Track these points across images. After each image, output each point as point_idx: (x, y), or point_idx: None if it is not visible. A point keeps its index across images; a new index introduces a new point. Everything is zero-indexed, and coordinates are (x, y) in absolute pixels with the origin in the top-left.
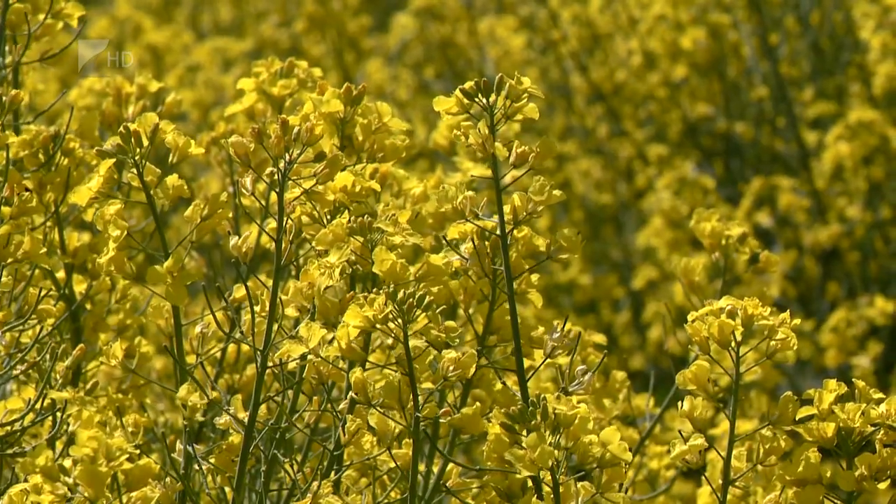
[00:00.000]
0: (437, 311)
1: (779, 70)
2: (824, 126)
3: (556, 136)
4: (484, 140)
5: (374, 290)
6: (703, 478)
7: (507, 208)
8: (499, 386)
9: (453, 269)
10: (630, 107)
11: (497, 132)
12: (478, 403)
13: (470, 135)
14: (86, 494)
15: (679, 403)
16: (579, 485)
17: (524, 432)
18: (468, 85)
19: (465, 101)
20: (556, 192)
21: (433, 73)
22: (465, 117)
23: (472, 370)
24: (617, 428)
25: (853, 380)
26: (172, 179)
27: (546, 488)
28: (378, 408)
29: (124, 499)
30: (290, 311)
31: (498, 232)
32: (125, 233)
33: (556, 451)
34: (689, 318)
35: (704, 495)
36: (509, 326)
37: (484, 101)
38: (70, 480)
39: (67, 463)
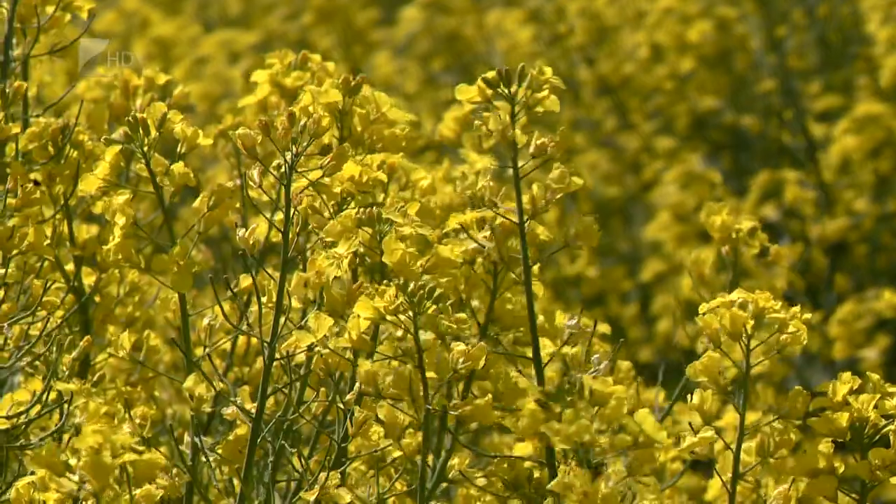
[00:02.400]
0: (448, 303)
1: (786, 63)
2: (831, 119)
3: (562, 128)
4: (504, 127)
5: (384, 281)
6: (714, 470)
7: (525, 197)
8: (514, 375)
9: (462, 261)
10: (637, 100)
11: (517, 121)
12: (489, 395)
13: (490, 120)
14: (90, 487)
15: (689, 396)
16: (611, 469)
17: (559, 409)
18: (490, 74)
19: (488, 90)
20: (577, 180)
21: (441, 66)
22: (473, 109)
23: (482, 362)
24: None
25: (867, 373)
26: (178, 167)
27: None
28: (388, 400)
29: (129, 495)
30: (294, 303)
31: (516, 220)
32: (131, 220)
33: (592, 426)
34: (701, 310)
35: (714, 487)
36: (510, 316)
37: (506, 90)
38: (75, 478)
39: (72, 460)
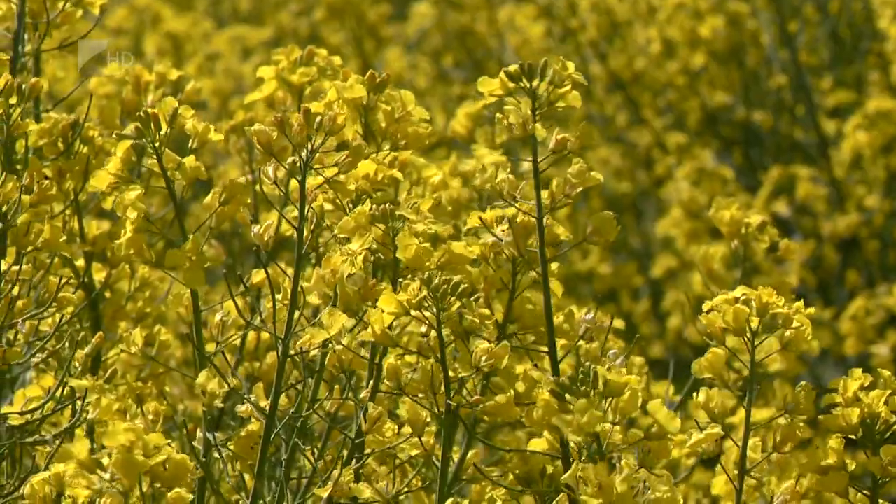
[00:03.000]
0: (473, 298)
1: (798, 58)
2: (843, 115)
3: (575, 123)
4: (525, 120)
5: (399, 277)
6: (720, 465)
7: (544, 193)
8: (520, 370)
9: (475, 257)
10: (649, 95)
11: (538, 116)
12: (511, 391)
13: (511, 113)
14: (119, 487)
15: (695, 393)
16: (622, 461)
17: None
18: (513, 67)
19: (510, 83)
20: (596, 175)
21: (452, 62)
22: (486, 104)
23: (505, 360)
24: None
25: (878, 369)
26: (190, 160)
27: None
28: (410, 396)
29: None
30: (312, 299)
31: (535, 214)
32: (142, 215)
33: (604, 417)
34: (704, 308)
35: (719, 483)
36: (529, 315)
37: (528, 84)
38: (106, 475)
39: (104, 459)
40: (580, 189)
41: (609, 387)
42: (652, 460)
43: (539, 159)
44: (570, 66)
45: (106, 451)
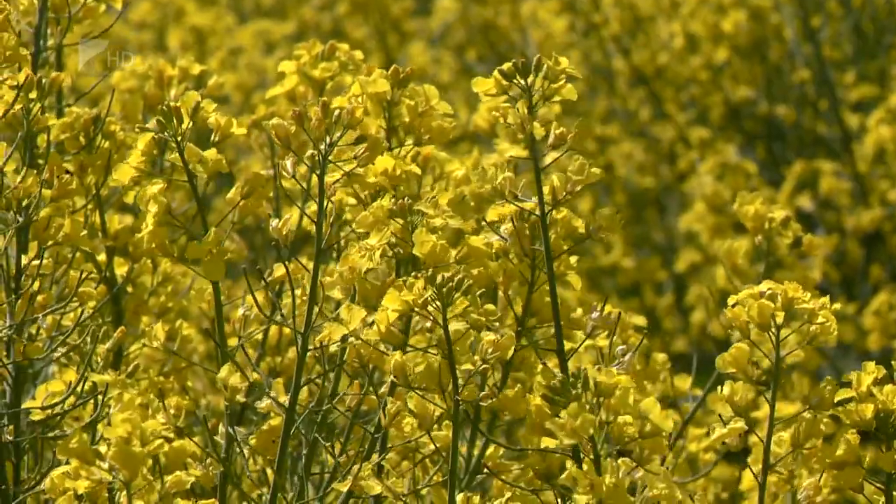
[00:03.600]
0: (477, 293)
1: (821, 53)
2: (866, 109)
3: (598, 118)
4: (523, 120)
5: (415, 273)
6: (746, 462)
7: (546, 189)
8: (540, 367)
9: (493, 251)
10: (672, 90)
11: (536, 113)
12: (519, 385)
13: (509, 115)
14: (121, 477)
15: (719, 387)
16: (619, 459)
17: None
18: (507, 66)
19: (504, 81)
20: (596, 171)
21: (475, 56)
22: (504, 99)
23: (511, 352)
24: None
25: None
26: (211, 153)
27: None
28: (418, 391)
29: (158, 483)
30: (335, 294)
31: (537, 212)
32: (164, 208)
33: (596, 420)
34: (729, 302)
35: (748, 478)
36: (549, 309)
37: (522, 82)
38: (105, 465)
39: (103, 448)
40: (581, 186)
41: (600, 388)
42: (646, 457)
43: (558, 155)
44: (564, 61)
45: (107, 444)
